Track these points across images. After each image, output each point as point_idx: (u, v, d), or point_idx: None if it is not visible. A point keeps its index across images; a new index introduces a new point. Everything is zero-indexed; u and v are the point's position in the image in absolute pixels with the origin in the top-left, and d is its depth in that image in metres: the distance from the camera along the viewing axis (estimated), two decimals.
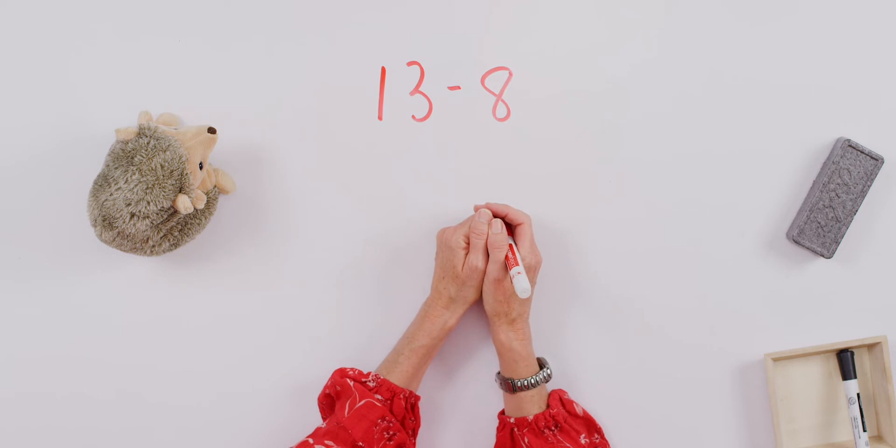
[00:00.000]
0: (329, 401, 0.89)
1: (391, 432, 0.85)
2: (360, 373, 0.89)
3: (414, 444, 0.89)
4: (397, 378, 0.88)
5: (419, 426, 0.90)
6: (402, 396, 0.87)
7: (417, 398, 0.89)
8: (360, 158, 0.95)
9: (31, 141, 0.93)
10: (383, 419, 0.85)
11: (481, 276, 0.88)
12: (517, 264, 0.84)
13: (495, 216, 0.89)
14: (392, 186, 0.95)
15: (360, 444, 0.83)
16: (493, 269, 0.86)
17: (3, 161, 0.93)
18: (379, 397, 0.86)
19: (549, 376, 0.90)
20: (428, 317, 0.90)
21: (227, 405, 0.94)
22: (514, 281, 0.83)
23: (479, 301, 0.91)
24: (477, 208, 0.91)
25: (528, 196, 0.95)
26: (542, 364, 0.91)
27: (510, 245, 0.87)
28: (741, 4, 0.96)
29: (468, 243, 0.88)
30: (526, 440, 0.88)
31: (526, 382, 0.88)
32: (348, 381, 0.88)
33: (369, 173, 0.95)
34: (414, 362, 0.88)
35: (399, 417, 0.86)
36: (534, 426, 0.88)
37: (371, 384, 0.87)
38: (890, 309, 0.96)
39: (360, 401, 0.85)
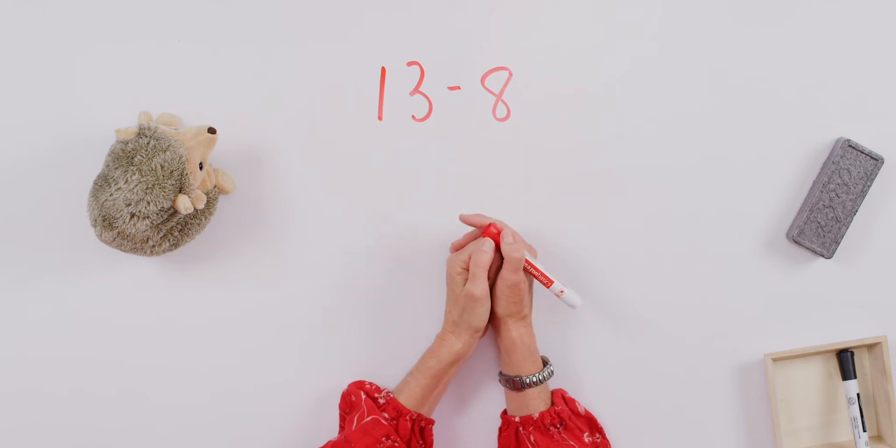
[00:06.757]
0: (344, 408, 0.90)
1: None
2: (376, 388, 0.89)
3: None
4: (405, 398, 0.87)
5: None
6: (408, 418, 0.86)
7: (429, 422, 0.88)
8: (360, 158, 0.95)
9: (32, 141, 0.93)
10: (388, 438, 0.84)
11: (479, 304, 0.86)
12: (552, 281, 0.88)
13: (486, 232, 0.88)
14: (392, 186, 0.95)
15: None
16: (510, 275, 0.86)
17: (4, 161, 0.93)
18: (386, 415, 0.86)
19: (553, 373, 0.90)
20: (437, 339, 0.89)
21: (227, 404, 0.94)
22: (563, 298, 0.88)
23: (486, 332, 0.90)
24: (462, 218, 0.90)
25: (528, 196, 0.95)
26: (544, 361, 0.91)
27: (527, 260, 0.87)
28: (742, 6, 0.96)
29: (466, 269, 0.87)
30: (532, 438, 0.87)
31: (535, 379, 0.88)
32: (362, 394, 0.88)
33: (369, 173, 0.95)
34: (422, 383, 0.88)
35: (405, 438, 0.85)
36: (539, 424, 0.88)
37: (381, 401, 0.87)
38: (890, 309, 0.96)
39: (367, 416, 0.85)
